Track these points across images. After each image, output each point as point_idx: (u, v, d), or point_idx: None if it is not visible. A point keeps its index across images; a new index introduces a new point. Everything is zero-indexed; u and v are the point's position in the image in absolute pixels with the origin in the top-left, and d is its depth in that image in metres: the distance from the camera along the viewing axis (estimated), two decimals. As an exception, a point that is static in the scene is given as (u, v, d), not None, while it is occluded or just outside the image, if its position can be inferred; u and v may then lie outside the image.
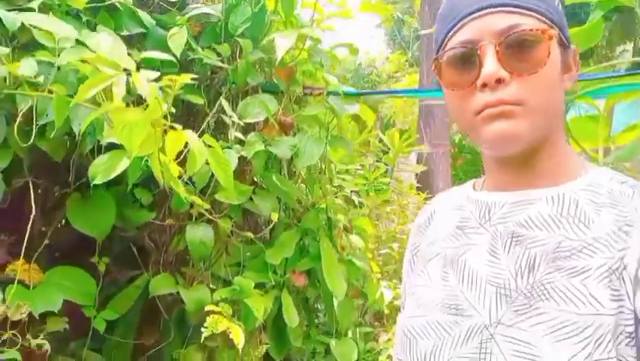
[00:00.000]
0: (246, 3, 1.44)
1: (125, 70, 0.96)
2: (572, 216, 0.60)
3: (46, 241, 1.24)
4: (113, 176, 1.10)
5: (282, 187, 1.44)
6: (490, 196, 0.68)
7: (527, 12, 0.60)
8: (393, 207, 3.66)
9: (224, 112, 1.32)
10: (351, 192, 2.23)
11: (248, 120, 1.31)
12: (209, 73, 1.47)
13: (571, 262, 0.57)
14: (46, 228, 1.33)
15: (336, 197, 1.69)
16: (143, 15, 1.36)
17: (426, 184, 5.47)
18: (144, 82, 0.92)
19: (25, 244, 1.11)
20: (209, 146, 1.01)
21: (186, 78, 0.95)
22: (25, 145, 1.07)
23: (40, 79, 1.05)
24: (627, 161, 1.24)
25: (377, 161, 3.90)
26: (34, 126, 1.06)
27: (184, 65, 1.43)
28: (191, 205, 1.34)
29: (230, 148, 1.30)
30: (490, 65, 0.59)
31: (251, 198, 1.38)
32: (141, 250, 1.48)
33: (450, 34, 0.64)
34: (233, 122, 1.30)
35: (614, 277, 0.55)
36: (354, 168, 2.88)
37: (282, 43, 1.24)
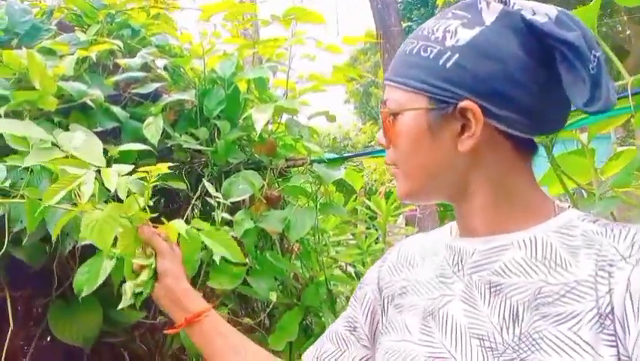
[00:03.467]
0: (219, 86, 1.44)
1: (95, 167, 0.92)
2: (547, 260, 0.58)
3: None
4: (98, 284, 1.04)
5: (277, 264, 1.37)
6: (462, 242, 0.66)
7: (396, 85, 0.65)
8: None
9: (208, 194, 1.28)
10: (346, 264, 2.16)
11: (234, 199, 1.26)
12: (188, 158, 1.44)
13: (555, 308, 0.54)
14: (27, 346, 1.23)
15: (335, 267, 1.62)
16: (117, 110, 1.35)
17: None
18: (113, 177, 0.88)
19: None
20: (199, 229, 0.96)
21: (163, 168, 0.92)
22: (-2, 255, 1.00)
23: (7, 184, 1.01)
24: (625, 187, 1.22)
25: (367, 228, 3.85)
26: (6, 234, 0.99)
27: (162, 154, 1.40)
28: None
29: (219, 230, 1.24)
30: (380, 132, 0.69)
31: (245, 281, 1.30)
32: (133, 354, 1.37)
33: None
34: (218, 203, 1.25)
35: (607, 321, 0.51)
36: (346, 238, 2.83)
37: (260, 117, 1.23)
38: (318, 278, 1.51)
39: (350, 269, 2.29)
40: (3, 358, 0.98)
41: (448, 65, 0.60)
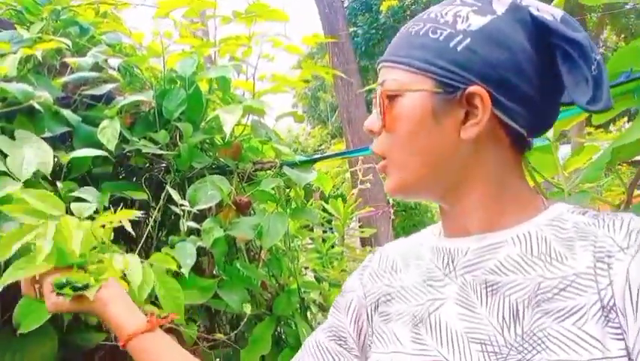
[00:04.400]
0: (179, 87, 1.36)
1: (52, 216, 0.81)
2: (543, 255, 0.56)
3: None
4: (45, 319, 0.92)
5: (248, 274, 1.30)
6: (451, 243, 0.63)
7: (396, 65, 0.62)
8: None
9: (172, 202, 1.19)
10: (306, 269, 2.11)
11: (201, 206, 1.18)
12: (148, 164, 1.34)
13: (556, 303, 0.52)
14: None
15: (305, 274, 1.57)
16: (67, 113, 1.23)
17: (370, 246, 5.46)
18: (76, 234, 0.77)
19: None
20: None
21: (129, 214, 0.83)
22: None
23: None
24: (594, 182, 1.24)
25: (324, 232, 3.82)
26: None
27: (119, 160, 1.30)
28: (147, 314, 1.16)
29: (185, 241, 1.16)
30: (371, 116, 0.64)
31: (216, 294, 1.22)
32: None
33: None
34: (184, 212, 1.17)
35: (611, 314, 0.50)
36: (304, 243, 2.78)
37: (228, 118, 1.16)
38: (289, 286, 1.45)
39: (310, 274, 2.24)
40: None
41: (459, 48, 0.58)
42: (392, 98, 0.61)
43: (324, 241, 3.47)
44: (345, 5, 13.38)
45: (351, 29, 12.31)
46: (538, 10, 0.60)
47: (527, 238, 0.58)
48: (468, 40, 0.58)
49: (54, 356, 1.07)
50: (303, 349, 0.75)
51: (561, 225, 0.58)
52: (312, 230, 3.25)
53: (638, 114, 1.05)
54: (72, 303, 0.77)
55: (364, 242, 5.62)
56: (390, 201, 9.38)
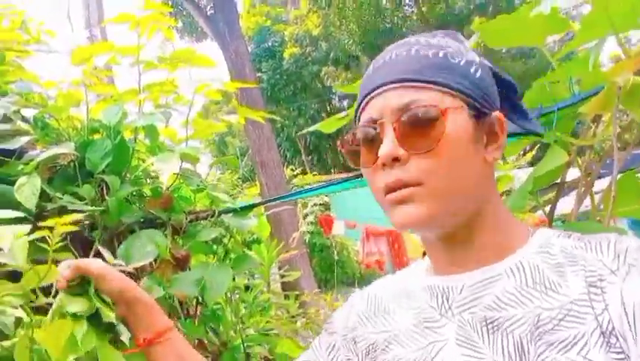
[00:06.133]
0: (103, 137, 1.26)
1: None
2: (538, 284, 0.56)
3: None
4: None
5: (184, 332, 1.20)
6: (443, 280, 0.62)
7: (427, 85, 0.58)
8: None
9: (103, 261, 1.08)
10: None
11: (136, 264, 1.09)
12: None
13: (558, 334, 0.53)
14: None
15: (248, 327, 1.49)
16: (-27, 172, 1.09)
17: (291, 289, 5.38)
18: (7, 240, 0.70)
19: None
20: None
21: (67, 219, 0.77)
22: None
23: None
24: (520, 211, 1.33)
25: (248, 279, 3.70)
26: None
27: (38, 219, 1.16)
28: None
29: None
30: (387, 144, 0.57)
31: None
32: None
33: (359, 111, 0.63)
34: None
35: (612, 339, 0.50)
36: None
37: (165, 167, 1.09)
38: (232, 343, 1.37)
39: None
40: None
41: (477, 75, 0.60)
42: (431, 120, 0.56)
43: (247, 288, 3.36)
44: (250, 52, 13.60)
45: (257, 75, 12.48)
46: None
47: (521, 269, 0.58)
48: (480, 69, 0.61)
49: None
50: None
51: (550, 250, 0.58)
52: (233, 279, 3.14)
53: (550, 146, 1.15)
54: None
55: (285, 286, 5.52)
56: (307, 240, 9.40)
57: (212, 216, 1.26)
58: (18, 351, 0.76)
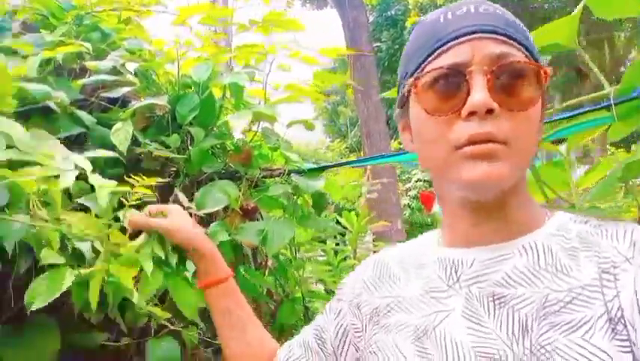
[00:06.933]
0: (192, 92, 1.38)
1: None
2: (550, 266, 0.55)
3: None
4: (54, 297, 0.94)
5: (252, 281, 1.30)
6: (455, 253, 0.62)
7: (517, 45, 0.56)
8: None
9: (180, 205, 1.20)
10: (318, 280, 2.10)
11: (207, 210, 1.19)
12: (158, 167, 1.36)
13: (563, 316, 0.52)
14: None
15: (310, 283, 1.56)
16: (83, 115, 1.26)
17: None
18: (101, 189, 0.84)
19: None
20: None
21: (151, 180, 0.94)
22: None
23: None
24: (606, 199, 1.22)
25: (336, 245, 3.80)
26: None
27: (131, 162, 1.32)
28: (149, 317, 1.17)
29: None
30: (481, 93, 0.53)
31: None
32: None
33: (431, 57, 0.57)
34: (191, 215, 1.18)
35: (619, 326, 0.49)
36: (315, 255, 2.77)
37: (238, 123, 1.17)
38: (294, 295, 1.45)
39: (320, 286, 2.23)
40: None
41: (530, 38, 0.60)
42: (526, 78, 0.55)
43: (336, 253, 3.47)
44: (370, 21, 13.47)
45: (375, 45, 12.37)
46: None
47: (534, 249, 0.57)
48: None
49: (56, 354, 1.08)
50: (298, 336, 0.81)
51: (565, 234, 0.57)
52: (324, 242, 3.25)
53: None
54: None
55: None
56: (407, 216, 9.30)
57: (283, 175, 1.32)
58: (94, 280, 0.89)
